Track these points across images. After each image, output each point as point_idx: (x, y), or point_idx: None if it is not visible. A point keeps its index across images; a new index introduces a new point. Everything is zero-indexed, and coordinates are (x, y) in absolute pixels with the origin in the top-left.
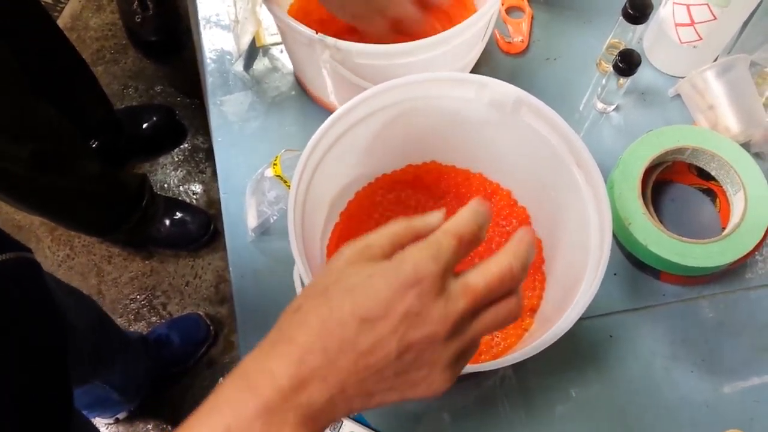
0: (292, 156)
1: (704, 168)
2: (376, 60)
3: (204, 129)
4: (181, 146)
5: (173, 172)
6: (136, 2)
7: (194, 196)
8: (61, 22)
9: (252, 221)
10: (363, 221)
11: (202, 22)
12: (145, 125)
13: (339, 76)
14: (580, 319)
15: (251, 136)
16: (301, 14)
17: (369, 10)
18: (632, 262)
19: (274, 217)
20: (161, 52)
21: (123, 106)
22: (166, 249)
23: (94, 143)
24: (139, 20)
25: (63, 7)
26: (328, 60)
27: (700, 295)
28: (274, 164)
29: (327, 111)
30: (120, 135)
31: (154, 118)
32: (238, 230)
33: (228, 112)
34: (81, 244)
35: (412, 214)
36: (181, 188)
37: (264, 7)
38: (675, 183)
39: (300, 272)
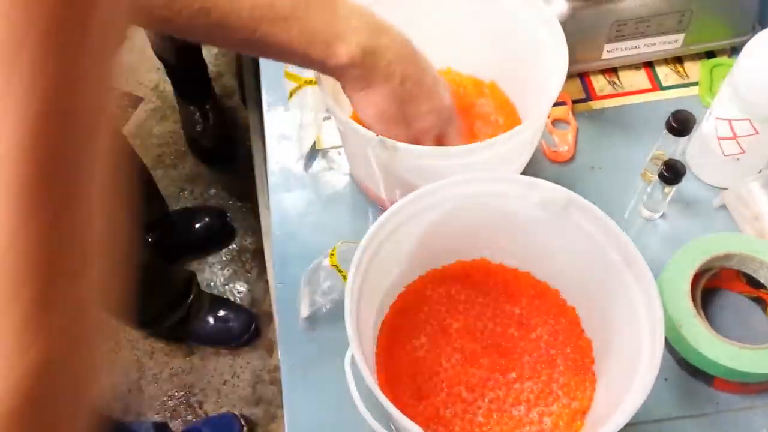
0: (348, 248)
1: (753, 276)
2: (430, 160)
3: (252, 231)
4: (230, 246)
5: (220, 271)
6: (199, 113)
7: (238, 295)
8: (126, 129)
9: (305, 310)
10: (413, 314)
11: (268, 130)
12: (197, 225)
13: (394, 174)
14: (632, 424)
15: (308, 231)
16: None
17: (408, 134)
18: (683, 367)
19: (327, 307)
20: (217, 159)
21: (179, 207)
22: (208, 346)
23: (147, 239)
24: (199, 129)
25: (129, 116)
26: (386, 160)
27: (754, 404)
28: (331, 254)
29: (380, 207)
30: (173, 234)
31: (207, 220)
32: (289, 319)
33: (287, 207)
34: (126, 338)
35: (462, 310)
36: (226, 287)
37: (324, 113)
38: (724, 290)
39: (354, 354)
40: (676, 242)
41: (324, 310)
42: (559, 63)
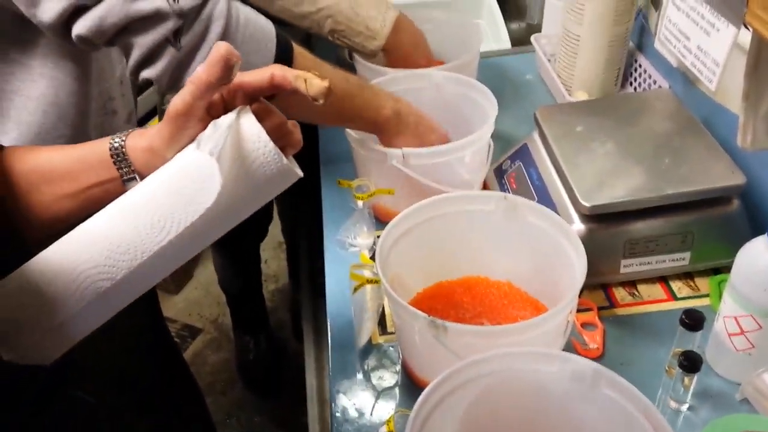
0: (403, 417)
1: None
2: (475, 339)
3: None
4: None
5: None
6: (252, 342)
7: None
8: (184, 357)
9: None
10: None
11: (330, 333)
12: None
13: (443, 353)
14: None
15: (365, 414)
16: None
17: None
18: None
19: None
20: (266, 387)
21: None
22: None
23: None
24: (251, 358)
25: (188, 347)
26: (435, 338)
27: None
28: (388, 422)
29: None
30: None
31: None
32: None
33: (346, 396)
34: None
35: None
36: None
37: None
38: None
39: None
40: None
41: None
42: (580, 267)
